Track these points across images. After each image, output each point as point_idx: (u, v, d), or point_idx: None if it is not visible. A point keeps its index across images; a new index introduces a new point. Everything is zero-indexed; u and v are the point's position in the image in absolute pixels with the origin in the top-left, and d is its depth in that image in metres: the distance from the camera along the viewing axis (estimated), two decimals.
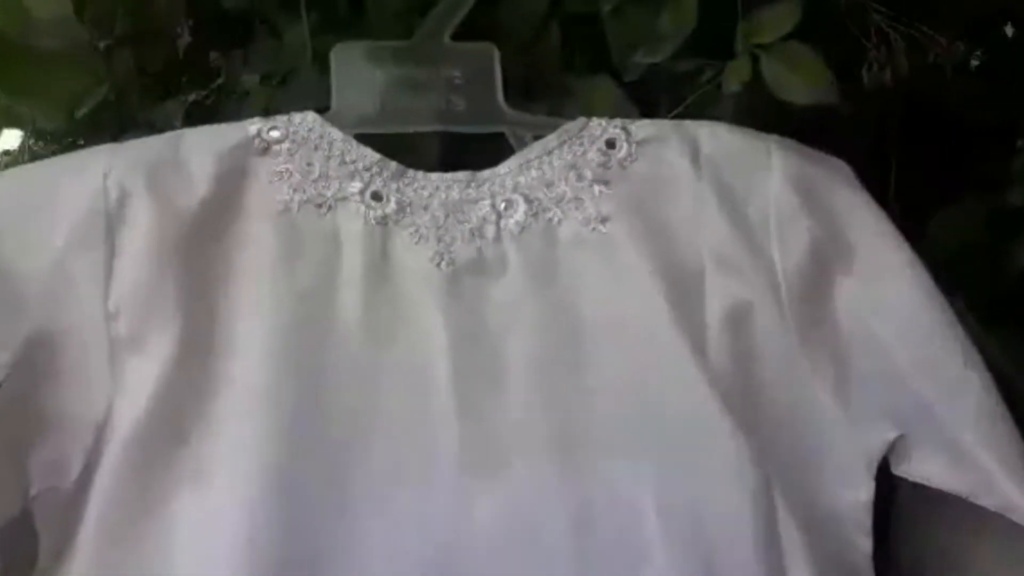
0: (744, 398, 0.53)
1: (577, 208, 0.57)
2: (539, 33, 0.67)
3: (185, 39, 0.90)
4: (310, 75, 0.73)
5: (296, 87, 0.72)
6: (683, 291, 0.55)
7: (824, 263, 0.56)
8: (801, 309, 0.55)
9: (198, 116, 0.76)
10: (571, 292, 0.56)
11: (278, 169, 0.57)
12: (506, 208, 0.57)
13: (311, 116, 0.60)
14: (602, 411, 0.53)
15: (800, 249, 0.56)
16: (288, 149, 0.58)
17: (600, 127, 0.60)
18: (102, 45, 0.89)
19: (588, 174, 0.58)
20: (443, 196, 0.58)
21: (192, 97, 0.87)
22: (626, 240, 0.56)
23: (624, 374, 0.54)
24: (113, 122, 0.84)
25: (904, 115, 0.76)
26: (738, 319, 0.55)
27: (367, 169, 0.58)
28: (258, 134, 0.59)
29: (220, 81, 0.88)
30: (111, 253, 0.53)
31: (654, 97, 0.66)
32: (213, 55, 0.89)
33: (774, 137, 0.59)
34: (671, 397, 0.53)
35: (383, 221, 0.57)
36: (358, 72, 0.61)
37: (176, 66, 0.90)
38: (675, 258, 0.56)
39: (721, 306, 0.55)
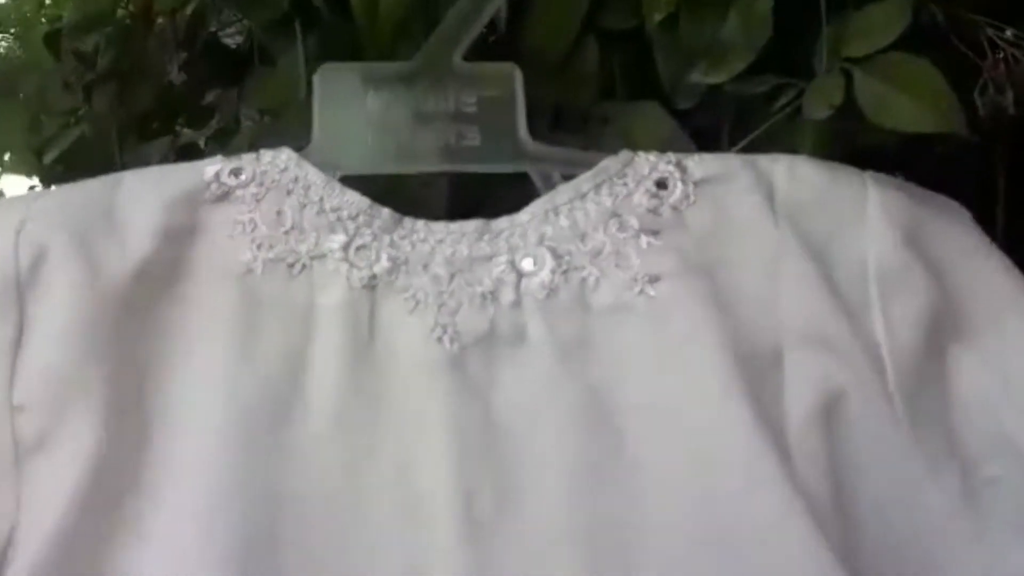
0: (837, 512, 0.45)
1: (619, 266, 0.49)
2: (572, 51, 0.58)
3: (177, 75, 0.82)
4: (303, 109, 0.62)
5: (285, 122, 0.63)
6: (756, 374, 0.46)
7: (942, 337, 0.47)
8: (913, 398, 0.46)
9: (190, 159, 0.69)
10: (611, 375, 0.47)
11: (239, 220, 0.49)
12: (528, 266, 0.48)
13: (285, 154, 0.51)
14: (653, 530, 0.44)
15: (910, 320, 0.47)
16: (253, 195, 0.49)
17: (648, 163, 0.51)
18: (84, 81, 0.83)
19: (633, 222, 0.49)
20: (448, 251, 0.49)
21: (183, 139, 0.81)
22: (682, 307, 0.47)
23: (680, 481, 0.45)
24: (89, 166, 0.76)
25: (1017, 148, 0.64)
26: (829, 411, 0.46)
27: (352, 218, 0.49)
28: (216, 177, 0.50)
29: (215, 121, 0.80)
30: (19, 330, 0.45)
31: (715, 127, 0.58)
32: (210, 94, 0.82)
33: (870, 174, 0.50)
34: (743, 510, 0.44)
35: (370, 284, 0.48)
36: (347, 99, 0.52)
37: (166, 105, 0.83)
38: (745, 331, 0.47)
39: (807, 394, 0.46)
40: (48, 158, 0.77)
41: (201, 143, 0.81)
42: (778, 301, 0.48)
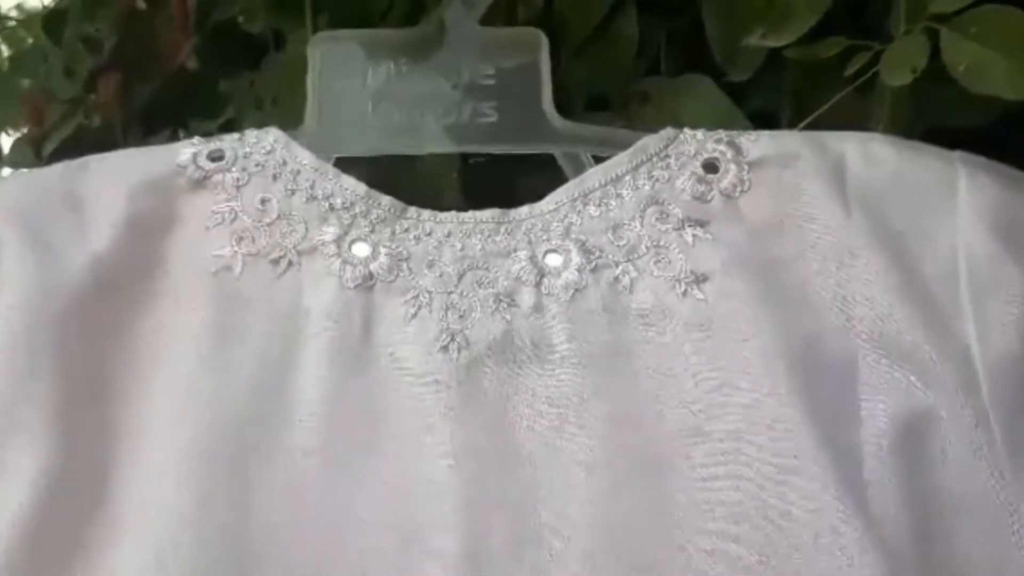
0: (921, 553, 0.39)
1: (659, 262, 0.44)
2: (608, 18, 0.54)
3: (189, 60, 0.80)
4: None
5: (287, 107, 0.58)
6: (824, 391, 0.41)
7: None
8: (1014, 420, 0.40)
9: None
10: (650, 394, 0.41)
11: (218, 210, 0.44)
12: (552, 263, 0.44)
13: (272, 134, 0.46)
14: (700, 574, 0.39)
15: (1009, 325, 0.41)
16: (234, 181, 0.45)
17: (695, 142, 0.46)
18: (88, 68, 0.80)
19: (677, 211, 0.44)
20: (458, 246, 0.44)
21: (193, 130, 0.77)
22: (734, 312, 0.42)
23: (734, 515, 0.40)
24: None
25: None
26: (913, 434, 0.40)
27: (347, 208, 0.44)
28: (192, 160, 0.45)
29: (230, 111, 0.76)
30: None
31: (775, 102, 0.52)
32: (224, 82, 0.78)
33: (960, 154, 0.45)
34: (808, 554, 0.39)
35: (367, 284, 0.43)
36: (346, 71, 0.48)
37: (176, 93, 0.79)
38: (811, 340, 0.42)
39: (885, 413, 0.41)
40: (48, 149, 0.73)
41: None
42: (851, 304, 0.43)
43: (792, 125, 0.51)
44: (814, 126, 0.49)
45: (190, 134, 0.74)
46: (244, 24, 0.77)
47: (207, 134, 0.48)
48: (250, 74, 0.73)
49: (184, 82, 0.78)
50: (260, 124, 0.50)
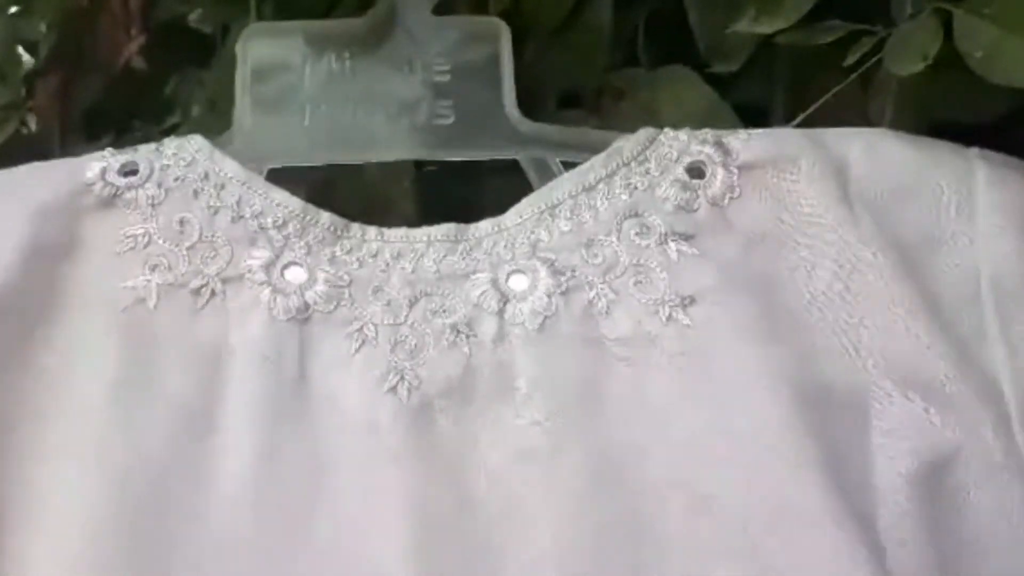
0: None
1: (639, 283, 0.40)
2: (580, 4, 0.50)
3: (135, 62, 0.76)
4: None
5: (224, 111, 0.54)
6: (830, 428, 0.37)
7: None
8: None
9: None
10: (630, 437, 0.38)
11: (130, 233, 0.40)
12: (517, 286, 0.40)
13: (195, 142, 0.42)
14: None
15: None
16: (149, 199, 0.40)
17: (677, 143, 0.42)
18: (23, 71, 0.77)
19: (658, 223, 0.41)
20: (408, 268, 0.40)
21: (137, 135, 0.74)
22: (726, 339, 0.39)
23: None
24: None
25: None
26: (933, 476, 0.37)
27: (279, 227, 0.40)
28: (101, 176, 0.40)
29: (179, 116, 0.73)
30: None
31: (766, 96, 0.50)
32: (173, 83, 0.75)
33: (978, 151, 0.42)
34: None
35: (301, 316, 0.39)
36: (280, 68, 0.44)
37: (120, 96, 0.75)
38: (814, 370, 0.38)
39: (901, 455, 0.38)
40: None
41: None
42: (859, 329, 0.39)
43: (786, 122, 0.48)
44: (810, 123, 0.46)
45: (135, 140, 0.71)
46: (193, 21, 0.73)
47: (148, 139, 0.44)
48: (200, 73, 0.70)
49: (129, 83, 0.75)
50: (216, 129, 0.46)
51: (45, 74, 0.75)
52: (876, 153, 0.41)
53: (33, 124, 0.76)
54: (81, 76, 0.75)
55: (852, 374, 0.38)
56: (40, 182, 0.40)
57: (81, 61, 0.75)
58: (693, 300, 0.39)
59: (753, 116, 0.48)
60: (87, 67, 0.75)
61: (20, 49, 0.78)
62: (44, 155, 0.67)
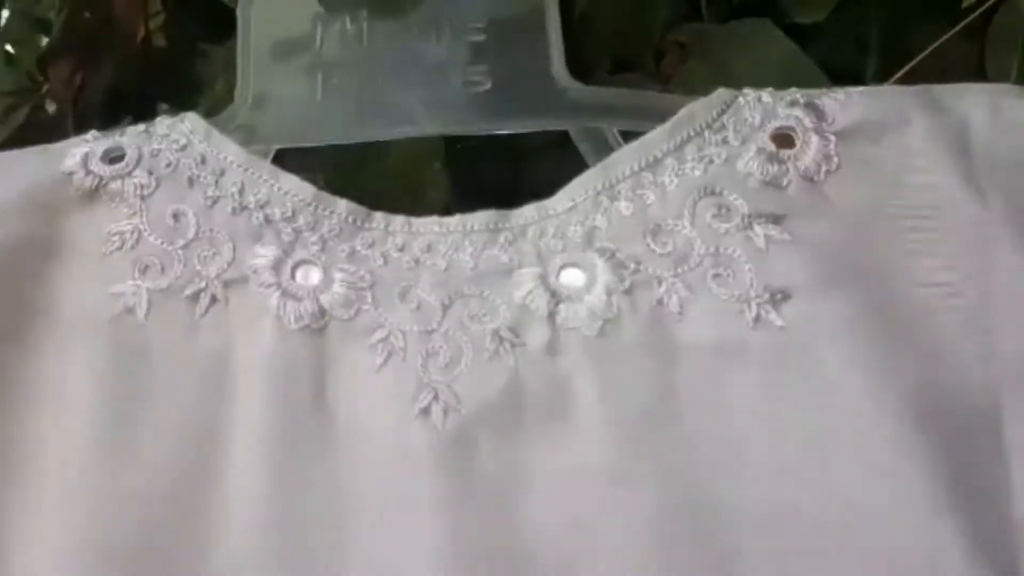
0: None
1: (718, 277, 0.36)
2: None
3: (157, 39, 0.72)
4: None
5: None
6: (959, 452, 0.33)
7: None
8: None
9: None
10: (713, 462, 0.34)
11: (117, 230, 0.36)
12: (571, 282, 0.36)
13: (189, 121, 0.38)
14: None
15: None
16: (138, 188, 0.36)
17: (760, 107, 0.38)
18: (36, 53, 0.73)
19: (740, 203, 0.36)
20: (441, 265, 0.36)
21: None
22: (828, 342, 0.34)
23: None
24: None
25: None
26: None
27: (289, 218, 0.36)
28: (83, 164, 0.36)
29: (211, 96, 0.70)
30: None
31: (858, 49, 0.46)
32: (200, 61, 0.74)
33: None
34: None
35: (317, 324, 0.35)
36: (288, 34, 0.39)
37: (140, 77, 0.73)
38: (935, 377, 0.34)
39: None
40: None
41: None
42: (991, 325, 0.35)
43: (880, 81, 0.43)
44: (909, 81, 0.41)
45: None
46: None
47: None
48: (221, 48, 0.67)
49: (149, 62, 0.72)
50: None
51: (58, 55, 0.72)
52: (1003, 114, 0.36)
53: (49, 108, 0.74)
54: (96, 56, 0.73)
55: (984, 383, 0.34)
56: (17, 174, 0.36)
57: (96, 40, 0.73)
58: (786, 296, 0.34)
59: (842, 75, 0.44)
60: (102, 46, 0.73)
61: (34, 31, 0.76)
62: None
